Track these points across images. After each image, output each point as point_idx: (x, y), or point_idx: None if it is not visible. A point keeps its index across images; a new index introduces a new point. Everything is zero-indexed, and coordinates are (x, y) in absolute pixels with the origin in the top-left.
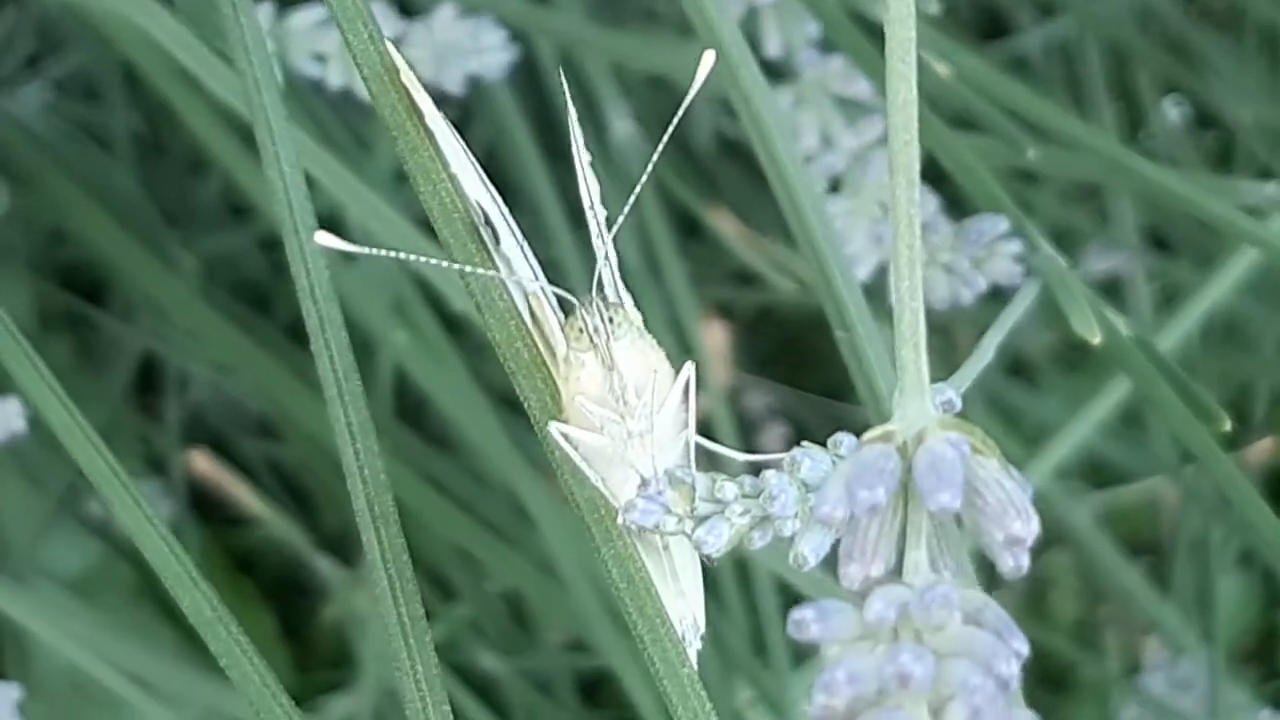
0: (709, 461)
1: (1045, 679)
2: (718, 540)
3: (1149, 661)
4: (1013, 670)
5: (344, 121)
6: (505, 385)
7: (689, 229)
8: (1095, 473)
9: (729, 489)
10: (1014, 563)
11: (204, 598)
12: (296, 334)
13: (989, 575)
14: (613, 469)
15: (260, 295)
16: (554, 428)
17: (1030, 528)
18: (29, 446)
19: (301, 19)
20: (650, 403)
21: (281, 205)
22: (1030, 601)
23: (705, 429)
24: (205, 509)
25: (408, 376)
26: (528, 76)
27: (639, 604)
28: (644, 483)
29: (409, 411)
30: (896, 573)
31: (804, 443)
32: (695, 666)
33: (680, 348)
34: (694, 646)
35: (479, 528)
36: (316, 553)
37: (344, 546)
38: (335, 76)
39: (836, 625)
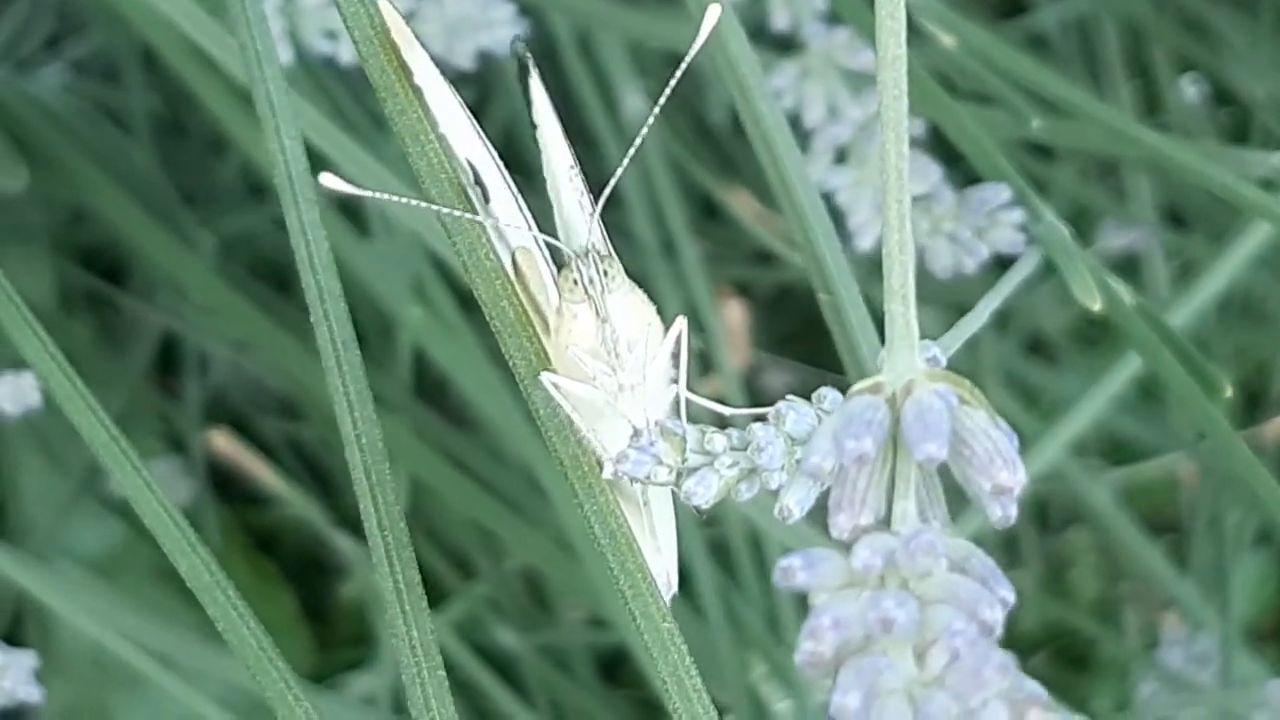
0: (704, 416)
1: (1066, 656)
2: (707, 491)
3: (1167, 637)
4: (997, 616)
5: (358, 99)
6: None
7: (707, 209)
8: (1114, 450)
9: (718, 440)
10: (1002, 512)
11: (202, 562)
12: None
13: (1009, 554)
14: (602, 420)
15: (279, 274)
16: (545, 377)
17: (1017, 477)
18: (50, 426)
19: None
20: (642, 355)
21: (282, 177)
22: (1050, 579)
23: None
24: (225, 488)
25: (427, 357)
26: (543, 54)
27: (620, 559)
28: (636, 433)
29: (428, 391)
30: (886, 523)
31: (789, 397)
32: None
33: (697, 327)
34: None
35: (498, 505)
36: (337, 531)
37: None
38: (347, 53)
39: (823, 572)
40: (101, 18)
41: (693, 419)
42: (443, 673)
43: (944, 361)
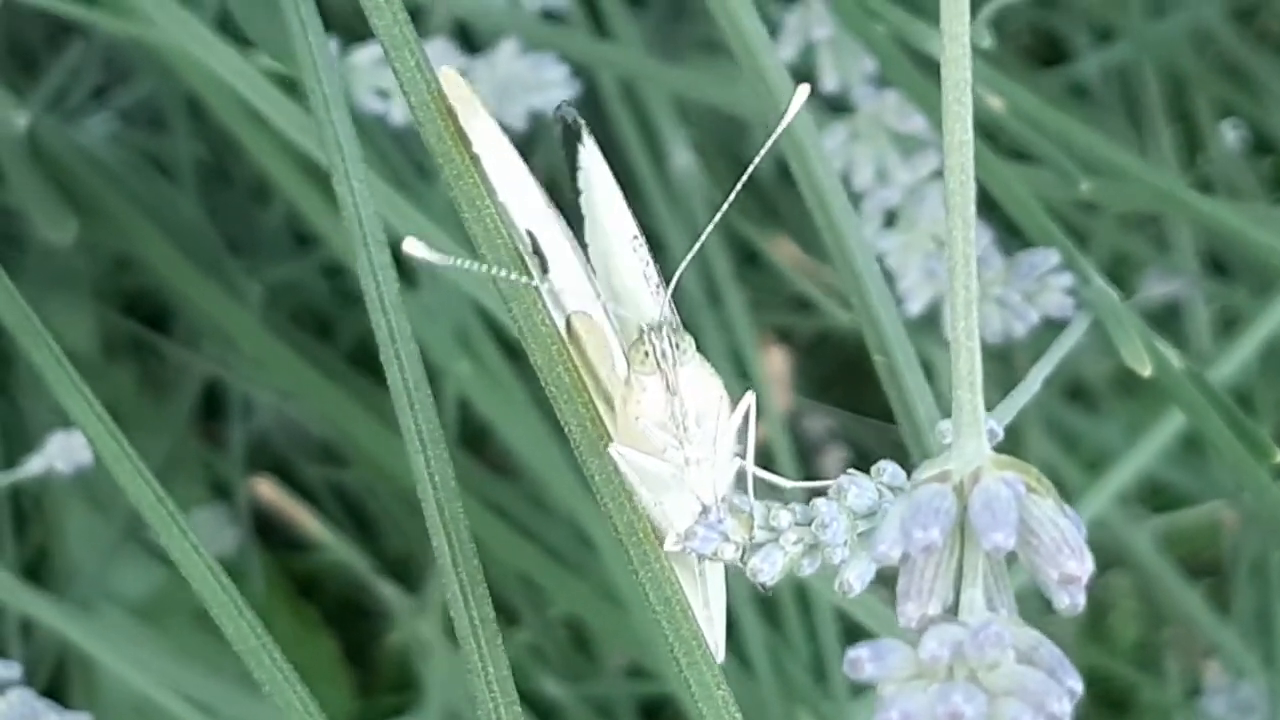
0: (758, 487)
1: (1106, 701)
2: (772, 568)
3: (1210, 685)
4: (1065, 709)
5: (409, 157)
6: None
7: (749, 255)
8: (1155, 495)
9: (783, 516)
10: (1069, 600)
11: (249, 626)
12: (360, 361)
13: (1047, 601)
14: (667, 494)
15: (324, 322)
16: (614, 449)
17: (1085, 566)
18: (95, 473)
19: (364, 55)
20: (711, 430)
21: (351, 218)
22: (1091, 624)
23: (765, 453)
24: (269, 534)
25: (470, 406)
26: (591, 108)
27: (676, 627)
28: (704, 510)
29: (472, 440)
30: (953, 610)
31: (850, 470)
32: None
33: (740, 373)
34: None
35: (541, 554)
36: (380, 578)
37: (408, 572)
38: (398, 112)
39: (891, 664)
40: (148, 67)
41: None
42: (517, 707)
43: (1000, 434)
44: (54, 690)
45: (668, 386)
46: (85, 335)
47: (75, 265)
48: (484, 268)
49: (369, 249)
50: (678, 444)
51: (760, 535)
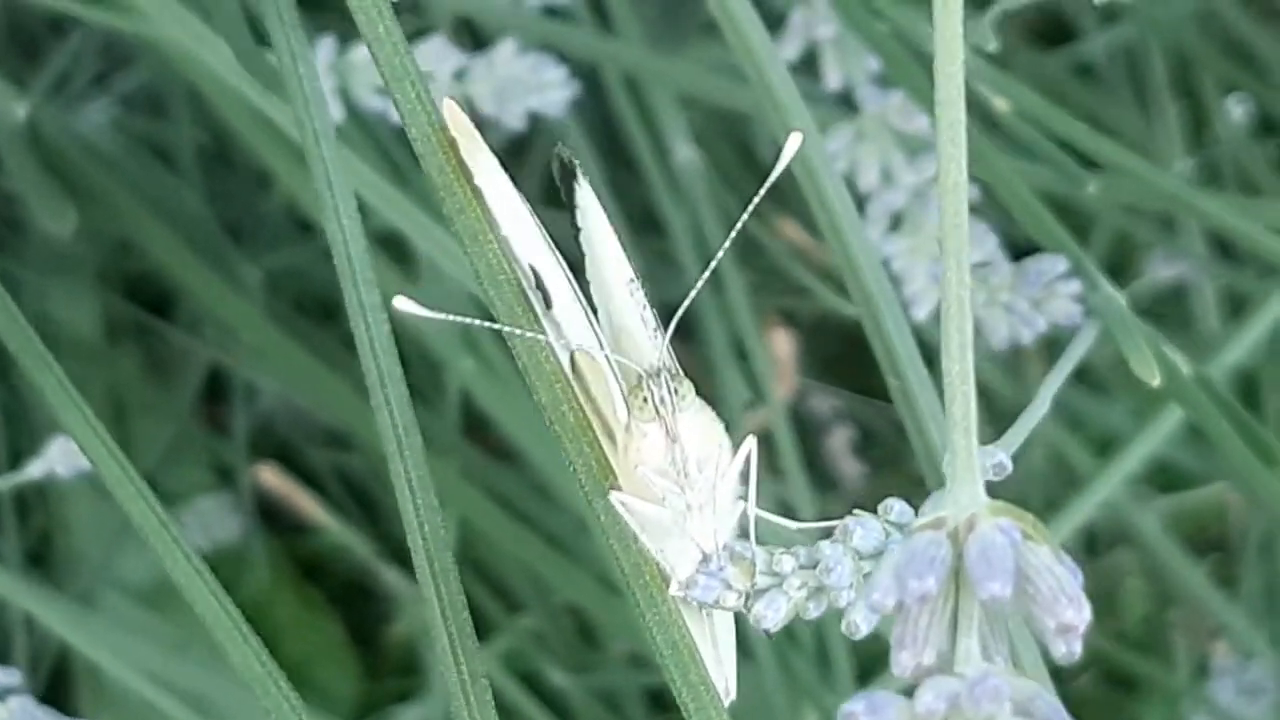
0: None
1: (1113, 681)
2: (776, 615)
3: (1217, 666)
4: None
5: (408, 147)
6: None
7: (752, 238)
8: (1161, 475)
9: (786, 562)
10: (1066, 649)
11: (224, 612)
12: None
13: None
14: (669, 540)
15: (326, 308)
16: (615, 497)
17: (1082, 615)
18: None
19: (363, 53)
20: (712, 476)
21: (333, 224)
22: (1097, 603)
23: (769, 435)
24: (273, 518)
25: (473, 394)
26: (594, 101)
27: (684, 671)
28: (705, 558)
29: (474, 425)
30: (949, 657)
31: (855, 511)
32: None
33: (742, 356)
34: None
35: (544, 544)
36: (384, 563)
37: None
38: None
39: (886, 718)
40: (148, 55)
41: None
42: (492, 709)
43: (1010, 467)
44: (58, 682)
45: (667, 433)
46: (89, 321)
47: (78, 251)
48: (477, 322)
49: (359, 289)
50: (678, 490)
51: (764, 581)
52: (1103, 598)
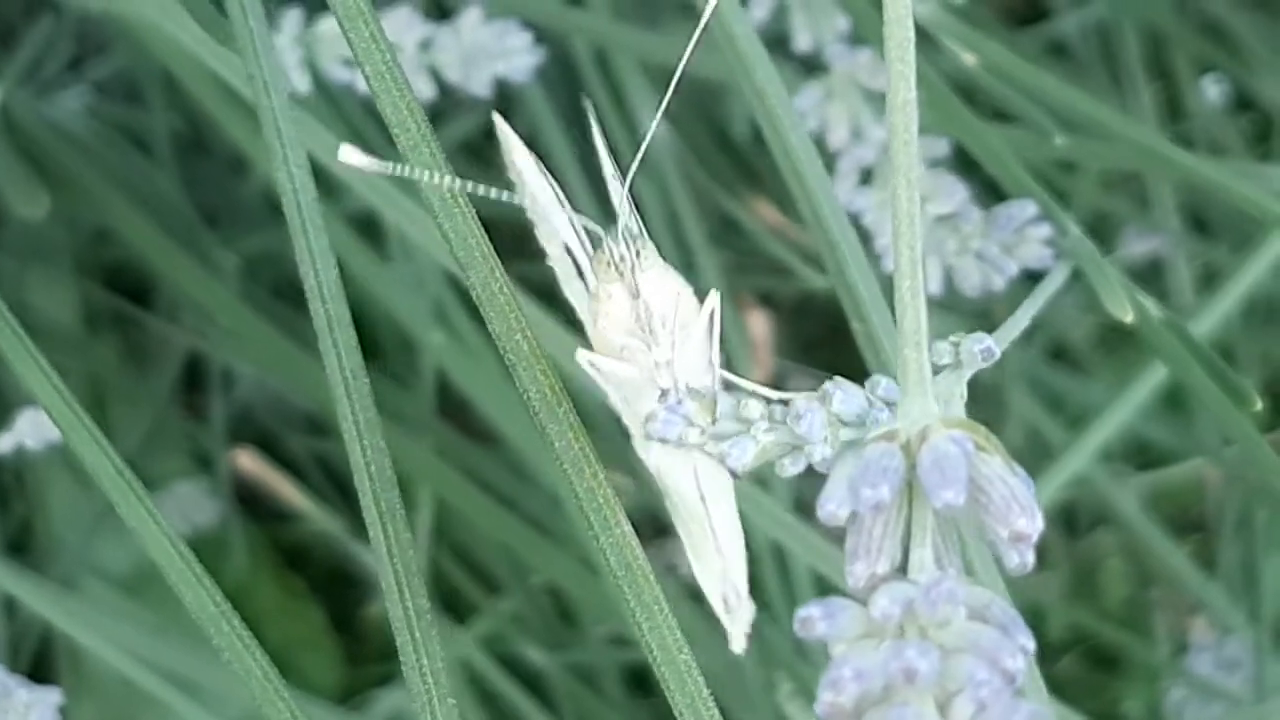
0: None
1: (1094, 657)
2: (743, 455)
3: (1196, 642)
4: (1019, 665)
5: (378, 121)
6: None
7: (729, 219)
8: (1139, 453)
9: (754, 407)
10: (1019, 559)
11: (207, 594)
12: None
13: (1037, 558)
14: (641, 398)
15: (302, 293)
16: (581, 355)
17: (1034, 523)
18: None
19: (329, 25)
20: (677, 332)
21: (290, 204)
22: (1078, 583)
23: None
24: (253, 506)
25: (450, 375)
26: (561, 73)
27: (637, 591)
28: (663, 394)
29: (451, 408)
30: (902, 571)
31: (836, 377)
32: (744, 645)
33: (720, 339)
34: (742, 619)
35: (521, 525)
36: (364, 547)
37: None
38: (364, 81)
39: (842, 623)
40: (122, 40)
41: None
42: (453, 701)
43: (998, 353)
44: (40, 662)
45: (630, 292)
46: (66, 308)
47: (55, 238)
48: (407, 170)
49: (308, 236)
50: (645, 347)
51: (731, 426)
52: (1083, 579)
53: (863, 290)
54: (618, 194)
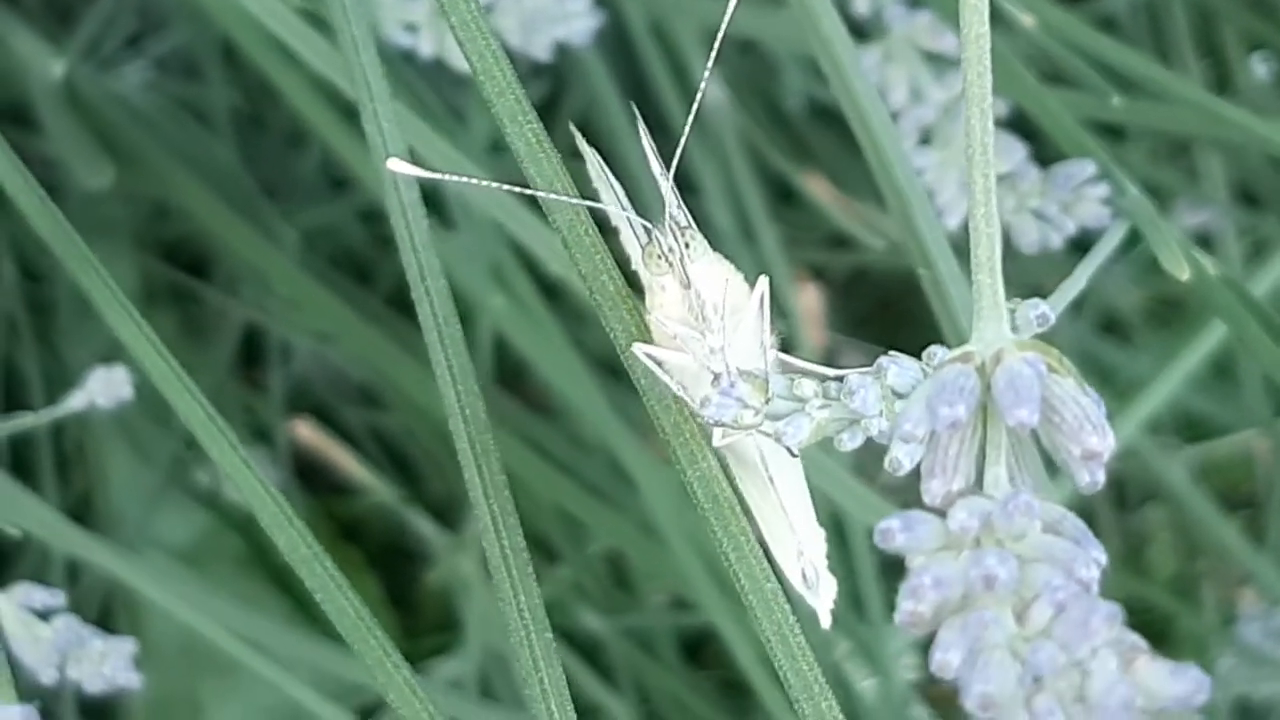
0: None
1: (1144, 632)
2: (798, 432)
3: (1245, 612)
4: (1093, 575)
5: (438, 92)
6: (603, 350)
7: (783, 193)
8: (1189, 427)
9: (807, 386)
10: (1090, 477)
11: (299, 536)
12: (397, 304)
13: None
14: (699, 385)
15: (360, 266)
16: (637, 348)
17: (1106, 442)
18: (136, 420)
19: None
20: (730, 318)
21: (380, 157)
22: (1128, 556)
23: None
24: (310, 478)
25: (507, 344)
26: (619, 43)
27: (724, 522)
28: (716, 378)
29: (509, 378)
30: (977, 488)
31: (891, 351)
32: (830, 620)
33: (776, 312)
34: (826, 594)
35: (580, 490)
36: (421, 518)
37: (448, 512)
38: (426, 46)
39: (921, 534)
40: (182, 15)
41: None
42: (549, 634)
43: (1053, 318)
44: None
45: (681, 282)
46: (126, 282)
47: (115, 213)
48: (480, 182)
49: (399, 190)
50: (699, 335)
51: (785, 405)
52: (1134, 553)
53: (928, 237)
54: (664, 186)
